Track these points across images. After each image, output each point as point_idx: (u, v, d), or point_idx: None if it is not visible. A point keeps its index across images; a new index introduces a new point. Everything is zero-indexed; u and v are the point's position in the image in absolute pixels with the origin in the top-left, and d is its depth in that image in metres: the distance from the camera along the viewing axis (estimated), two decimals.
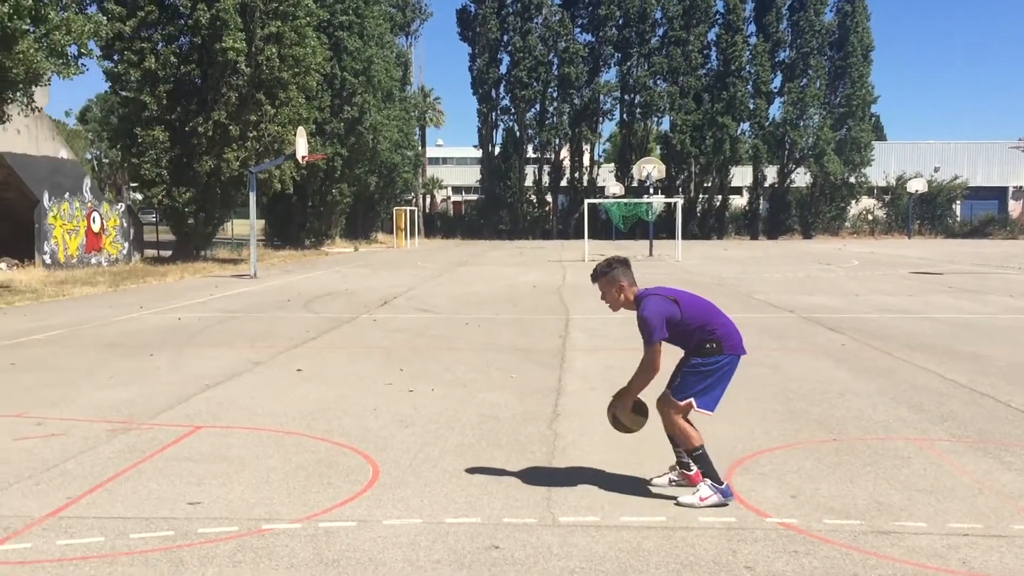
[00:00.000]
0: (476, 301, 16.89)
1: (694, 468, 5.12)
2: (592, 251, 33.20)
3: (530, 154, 65.40)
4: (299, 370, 9.31)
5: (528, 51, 60.59)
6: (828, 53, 61.41)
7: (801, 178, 63.24)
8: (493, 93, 63.29)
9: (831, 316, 13.96)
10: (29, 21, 16.11)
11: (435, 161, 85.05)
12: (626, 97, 62.67)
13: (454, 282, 21.88)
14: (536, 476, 5.52)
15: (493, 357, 10.20)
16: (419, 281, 22.21)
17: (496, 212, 64.16)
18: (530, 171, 65.32)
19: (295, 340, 11.62)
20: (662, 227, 52.83)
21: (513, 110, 63.06)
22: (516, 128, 63.83)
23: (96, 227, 27.34)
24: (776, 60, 61.48)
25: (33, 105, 17.97)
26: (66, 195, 25.77)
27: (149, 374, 9.14)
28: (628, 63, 61.50)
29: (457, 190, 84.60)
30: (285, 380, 8.79)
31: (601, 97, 62.52)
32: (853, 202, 64.25)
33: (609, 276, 5.09)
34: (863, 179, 62.28)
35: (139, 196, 35.50)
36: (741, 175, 65.21)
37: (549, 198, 65.90)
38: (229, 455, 6.01)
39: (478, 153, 67.74)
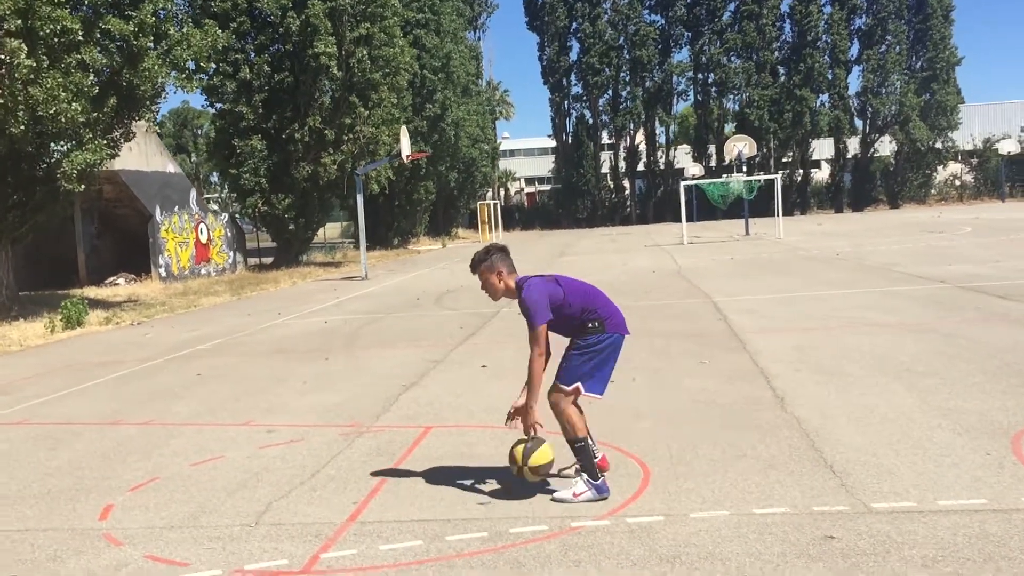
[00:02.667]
0: (605, 289, 16.69)
1: (599, 454, 5.12)
2: (689, 233, 32.75)
3: (604, 140, 64.98)
4: (484, 366, 9.29)
5: (598, 36, 60.13)
6: (907, 17, 59.57)
7: (884, 147, 61.61)
8: (564, 81, 62.95)
9: (990, 284, 13.44)
10: (152, 38, 16.45)
11: (504, 154, 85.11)
12: (699, 76, 61.70)
13: (569, 272, 21.67)
14: (808, 462, 5.35)
15: (665, 344, 10.05)
16: (529, 272, 22.10)
17: (573, 201, 63.88)
18: (605, 157, 64.90)
19: (455, 337, 11.63)
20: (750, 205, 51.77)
21: (586, 97, 62.66)
22: (589, 115, 63.44)
23: (204, 238, 27.94)
24: (853, 28, 59.89)
25: (156, 120, 18.33)
26: (175, 208, 26.37)
27: (338, 378, 9.21)
28: (700, 41, 60.52)
29: (529, 181, 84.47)
30: (477, 377, 8.77)
31: (674, 78, 61.71)
32: (940, 168, 62.34)
33: (488, 263, 5.02)
34: (950, 144, 60.36)
35: (234, 205, 36.16)
36: (820, 148, 63.81)
37: (626, 183, 65.38)
38: (480, 453, 5.98)
39: (547, 143, 67.48)
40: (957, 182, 63.53)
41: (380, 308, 16.07)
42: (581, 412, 4.97)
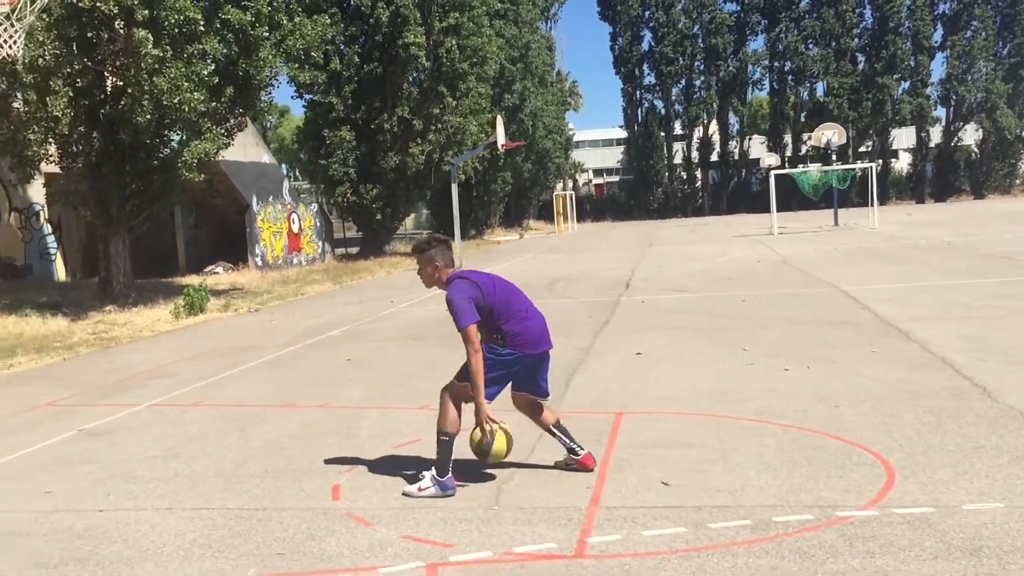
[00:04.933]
0: (714, 279, 16.46)
1: (582, 452, 5.25)
2: (779, 223, 32.15)
3: (677, 130, 64.22)
4: (639, 354, 9.13)
5: (672, 25, 59.41)
6: (993, 1, 57.66)
7: (968, 135, 59.83)
8: (636, 71, 62.37)
9: None
10: (267, 28, 16.59)
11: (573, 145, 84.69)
12: (776, 64, 60.59)
13: (667, 263, 21.46)
14: None
15: (819, 332, 9.78)
16: (628, 262, 21.92)
17: (645, 191, 63.33)
18: (677, 148, 64.14)
19: (590, 325, 11.49)
20: (830, 196, 50.78)
21: (658, 87, 62.00)
22: (661, 105, 62.78)
23: (296, 228, 28.26)
24: (936, 13, 58.22)
25: (267, 110, 18.53)
26: (270, 198, 26.70)
27: None
28: (777, 29, 59.42)
29: (597, 172, 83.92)
30: (636, 364, 8.61)
31: (749, 67, 60.70)
32: None
33: (427, 253, 5.10)
34: None
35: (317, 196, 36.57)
36: (898, 137, 62.25)
37: (698, 174, 64.56)
38: (688, 440, 5.82)
39: (613, 134, 66.85)
40: None
41: None
42: (539, 408, 5.30)
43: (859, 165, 36.47)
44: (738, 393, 7.08)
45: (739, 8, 60.40)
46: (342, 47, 29.04)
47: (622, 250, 27.79)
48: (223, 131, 16.75)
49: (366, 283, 21.24)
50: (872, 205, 31.37)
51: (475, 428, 5.07)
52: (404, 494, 5.01)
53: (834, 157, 33.41)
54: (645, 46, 61.90)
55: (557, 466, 5.41)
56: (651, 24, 60.72)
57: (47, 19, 14.31)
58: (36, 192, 22.06)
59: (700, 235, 34.34)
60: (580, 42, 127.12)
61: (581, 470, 5.25)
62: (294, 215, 28.20)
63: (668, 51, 59.45)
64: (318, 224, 30.03)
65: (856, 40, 58.50)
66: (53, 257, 23.21)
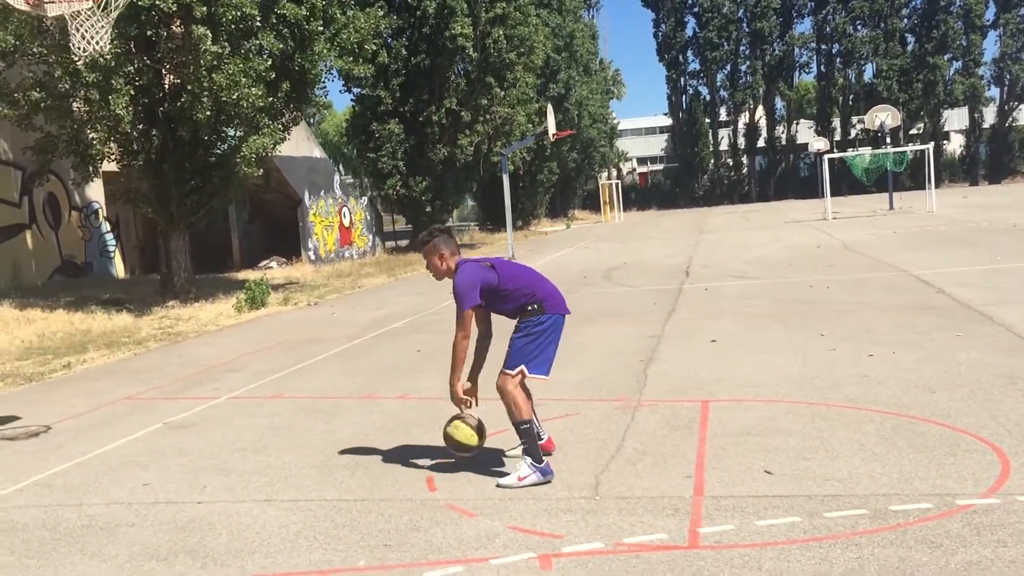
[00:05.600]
0: (775, 266, 16.21)
1: (545, 436, 5.27)
2: (832, 208, 31.63)
3: (722, 116, 63.53)
4: (713, 341, 8.99)
5: (716, 10, 58.73)
6: None
7: (1023, 115, 58.41)
8: (680, 58, 61.78)
9: None
10: (321, 22, 16.62)
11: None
12: (823, 47, 59.63)
13: (724, 249, 21.19)
14: None
15: (899, 316, 9.55)
16: (684, 250, 21.70)
17: (690, 179, 62.81)
18: (723, 134, 63.46)
19: (657, 313, 11.35)
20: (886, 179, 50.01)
21: (703, 73, 61.34)
22: (706, 91, 62.12)
23: (347, 222, 28.41)
24: None
25: (322, 105, 18.58)
26: (321, 193, 26.87)
27: (564, 353, 9.01)
28: (824, 10, 58.44)
29: (641, 161, 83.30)
30: (712, 351, 8.47)
31: (796, 50, 59.79)
32: None
33: (431, 244, 5.08)
34: None
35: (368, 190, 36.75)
36: (950, 119, 60.94)
37: (745, 160, 63.82)
38: (784, 427, 5.69)
39: (655, 122, 66.19)
40: None
41: None
42: (529, 396, 5.09)
43: (914, 147, 35.61)
44: (826, 379, 6.93)
45: None
46: (389, 40, 29.05)
47: (674, 238, 27.54)
48: (279, 126, 16.83)
49: (420, 276, 21.23)
50: (929, 187, 30.67)
51: (450, 422, 5.11)
52: (501, 486, 4.92)
53: (888, 140, 32.74)
54: (689, 32, 61.48)
55: (512, 451, 5.34)
56: (695, 9, 60.17)
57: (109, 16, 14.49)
58: (94, 191, 22.43)
59: (752, 222, 33.92)
60: (620, 30, 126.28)
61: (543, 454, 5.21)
62: (345, 209, 28.35)
63: (713, 36, 58.83)
64: (368, 218, 30.17)
65: (905, 20, 57.46)
66: (112, 255, 23.60)
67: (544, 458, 4.99)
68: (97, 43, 5.20)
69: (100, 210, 23.17)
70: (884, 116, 33.55)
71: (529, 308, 5.01)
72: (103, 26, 5.18)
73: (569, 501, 4.65)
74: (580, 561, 3.89)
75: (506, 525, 4.35)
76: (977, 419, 5.54)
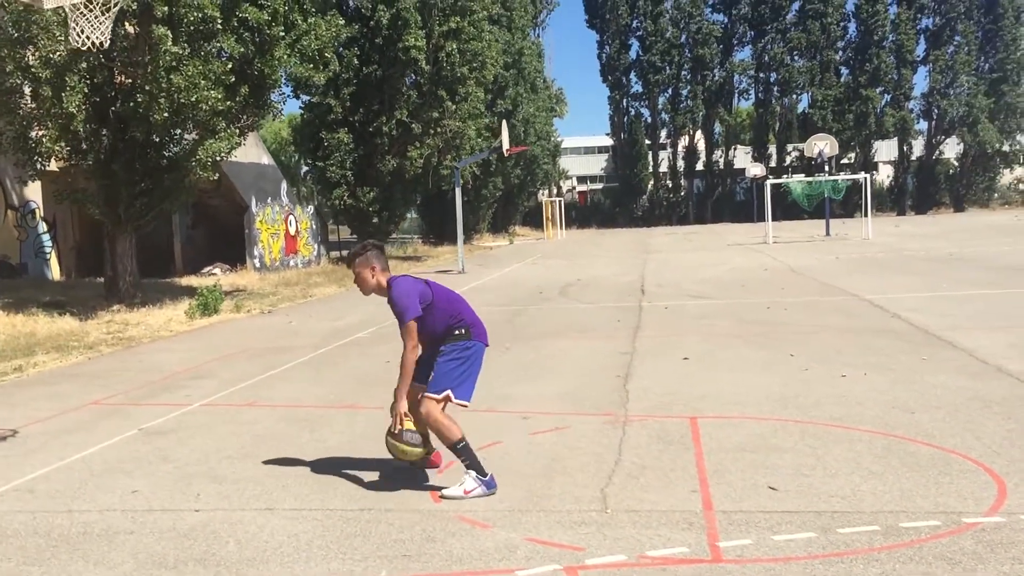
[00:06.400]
0: (728, 286, 16.50)
1: (433, 449, 5.29)
2: (775, 232, 32.35)
3: (663, 139, 64.54)
4: (686, 358, 9.10)
5: (660, 34, 59.74)
6: (976, 17, 58.49)
7: (949, 149, 60.63)
8: (624, 79, 62.63)
9: None
10: (283, 27, 16.43)
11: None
12: (762, 75, 61.13)
13: (672, 269, 21.48)
14: None
15: (859, 339, 9.80)
16: (633, 269, 21.94)
17: (630, 199, 63.59)
18: (663, 156, 64.47)
19: (622, 329, 11.45)
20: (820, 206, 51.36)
21: (645, 95, 62.29)
22: (647, 113, 63.07)
23: (292, 230, 28.04)
24: (920, 27, 59.02)
25: (279, 111, 18.34)
26: (268, 200, 26.47)
27: (539, 367, 9.07)
28: (763, 40, 59.98)
29: (581, 180, 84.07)
30: (687, 368, 8.57)
31: (735, 77, 61.16)
32: (1006, 171, 61.30)
33: (363, 257, 5.07)
34: (1018, 147, 59.25)
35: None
36: (880, 150, 62.92)
37: (683, 183, 64.90)
38: (777, 445, 5.78)
39: (595, 142, 66.93)
40: (1021, 186, 62.41)
41: (509, 300, 15.95)
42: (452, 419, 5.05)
43: (852, 176, 36.70)
44: (806, 398, 7.06)
45: (726, 19, 60.92)
46: (341, 49, 28.81)
47: (621, 257, 27.82)
48: (236, 130, 16.55)
49: None
50: (866, 216, 31.62)
51: (390, 431, 5.03)
52: (445, 497, 4.92)
53: (826, 168, 33.68)
54: (632, 55, 62.23)
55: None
56: (639, 33, 61.09)
57: (63, 14, 14.10)
58: (32, 190, 21.73)
59: (694, 243, 34.48)
60: (561, 49, 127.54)
61: (430, 467, 5.36)
62: (291, 217, 27.97)
63: (656, 60, 59.82)
64: (314, 227, 29.82)
65: (840, 53, 59.18)
66: (48, 256, 22.88)
67: (488, 471, 5.00)
68: (100, 35, 5.06)
69: (37, 210, 22.46)
70: (823, 144, 34.50)
71: (457, 332, 5.01)
72: (105, 19, 5.05)
73: (581, 514, 4.65)
74: (607, 574, 3.89)
75: (523, 537, 4.33)
76: (962, 440, 5.71)
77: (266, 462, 5.85)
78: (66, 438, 6.75)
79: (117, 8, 5.20)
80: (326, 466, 5.69)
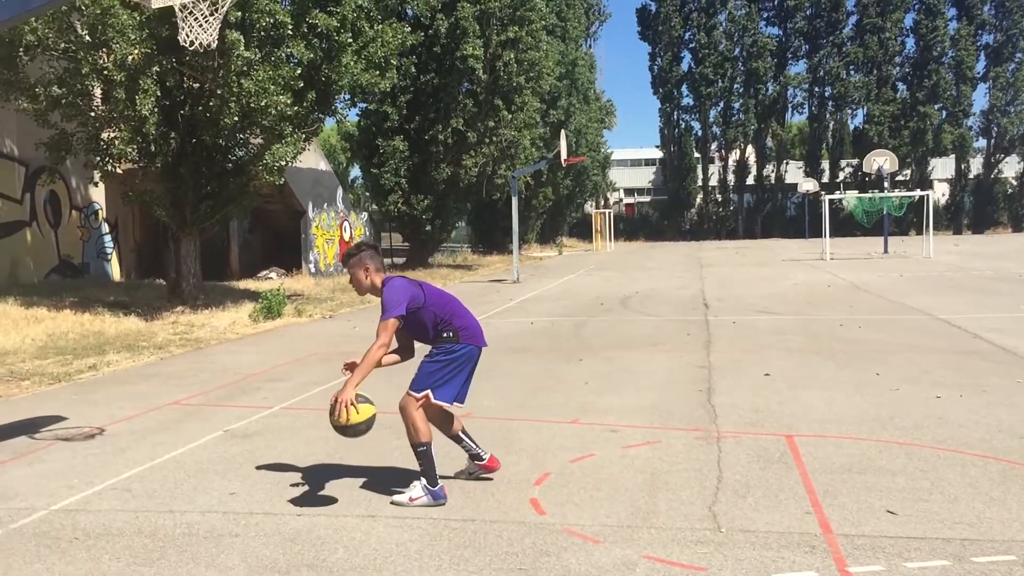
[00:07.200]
0: (793, 302, 16.20)
1: (486, 455, 5.32)
2: (820, 249, 31.85)
3: (713, 152, 64.09)
4: (767, 375, 8.89)
5: (713, 47, 59.35)
6: None
7: (1009, 167, 59.41)
8: (675, 92, 62.31)
9: None
10: (351, 34, 16.52)
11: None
12: (816, 90, 60.43)
13: (732, 284, 21.18)
14: None
15: (940, 359, 9.50)
16: (691, 282, 21.69)
17: (679, 212, 63.15)
18: (713, 170, 63.98)
19: (692, 343, 11.25)
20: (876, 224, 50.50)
21: (696, 108, 61.90)
22: (698, 126, 62.65)
23: (347, 236, 28.18)
24: (980, 44, 57.94)
25: (344, 116, 18.43)
26: (324, 206, 26.64)
27: (616, 379, 8.91)
28: (819, 54, 59.29)
29: (628, 192, 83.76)
30: (773, 386, 8.36)
31: (789, 91, 60.54)
32: None
33: (358, 257, 5.05)
34: None
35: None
36: (936, 168, 61.85)
37: (734, 197, 64.32)
38: (883, 467, 5.57)
39: (642, 154, 66.57)
40: None
41: (569, 311, 15.81)
42: (451, 416, 5.21)
43: (912, 193, 36.03)
44: (903, 419, 6.83)
45: (781, 32, 60.34)
46: (399, 57, 28.96)
47: (676, 270, 27.55)
48: (302, 135, 16.65)
49: None
50: (928, 234, 30.98)
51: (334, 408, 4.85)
52: (393, 503, 4.94)
53: (886, 184, 33.10)
54: (684, 67, 61.88)
55: (459, 476, 5.37)
56: (692, 45, 60.75)
57: (139, 17, 14.30)
58: (96, 192, 22.09)
59: (747, 258, 34.06)
60: (611, 61, 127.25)
61: (487, 474, 5.36)
62: (346, 223, 28.12)
63: (708, 72, 59.41)
64: (367, 233, 29.95)
65: (898, 68, 58.32)
66: (109, 257, 23.24)
67: (439, 481, 4.97)
68: (208, 36, 5.06)
69: (100, 211, 22.83)
70: (882, 160, 33.93)
71: (444, 335, 5.03)
72: (213, 20, 5.05)
73: (693, 532, 4.49)
74: None
75: (640, 554, 4.19)
76: None
77: (357, 468, 5.78)
78: (153, 438, 6.74)
79: (225, 9, 5.20)
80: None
